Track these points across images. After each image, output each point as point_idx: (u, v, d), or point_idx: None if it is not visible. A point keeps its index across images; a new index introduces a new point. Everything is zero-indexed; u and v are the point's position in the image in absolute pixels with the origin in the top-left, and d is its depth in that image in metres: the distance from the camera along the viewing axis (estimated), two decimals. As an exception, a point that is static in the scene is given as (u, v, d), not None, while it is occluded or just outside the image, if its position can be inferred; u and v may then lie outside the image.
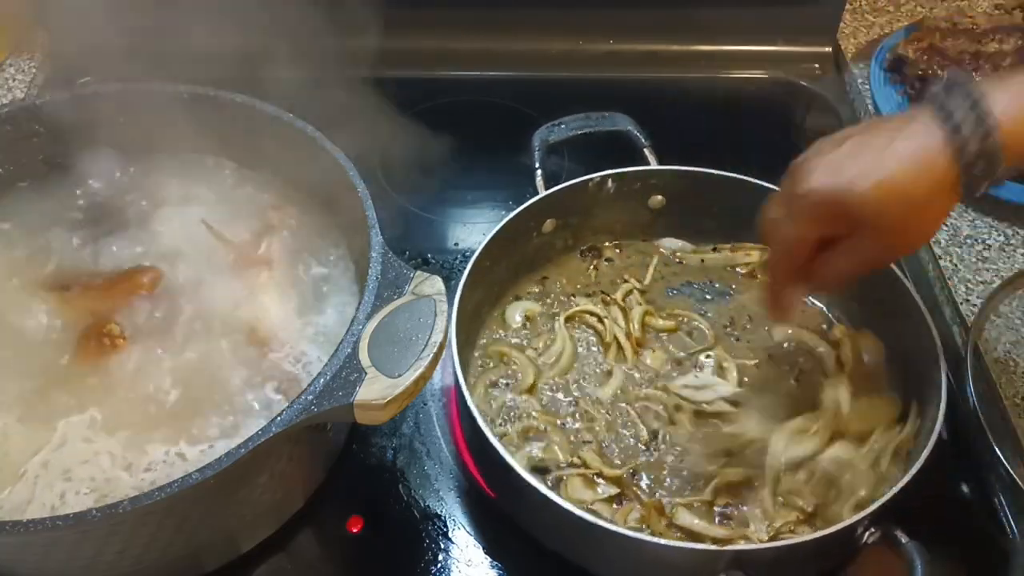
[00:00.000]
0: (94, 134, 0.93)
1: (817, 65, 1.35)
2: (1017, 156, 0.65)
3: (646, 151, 1.01)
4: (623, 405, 0.87)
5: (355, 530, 0.82)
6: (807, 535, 0.72)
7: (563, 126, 1.03)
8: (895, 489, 0.71)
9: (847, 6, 1.34)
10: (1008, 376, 0.91)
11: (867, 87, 1.26)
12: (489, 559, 0.82)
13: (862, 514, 0.71)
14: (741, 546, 0.74)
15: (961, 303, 0.98)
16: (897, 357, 0.88)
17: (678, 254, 1.01)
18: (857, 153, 0.67)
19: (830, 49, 1.36)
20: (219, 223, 0.91)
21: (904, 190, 0.65)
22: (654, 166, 0.99)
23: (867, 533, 0.72)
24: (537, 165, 1.00)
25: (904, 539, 0.71)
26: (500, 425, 0.85)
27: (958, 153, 0.64)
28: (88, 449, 0.74)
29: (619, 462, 0.82)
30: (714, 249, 1.00)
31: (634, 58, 1.34)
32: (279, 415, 0.66)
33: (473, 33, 1.31)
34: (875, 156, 0.66)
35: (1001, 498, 0.85)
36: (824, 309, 0.96)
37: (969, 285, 1.00)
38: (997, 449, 0.83)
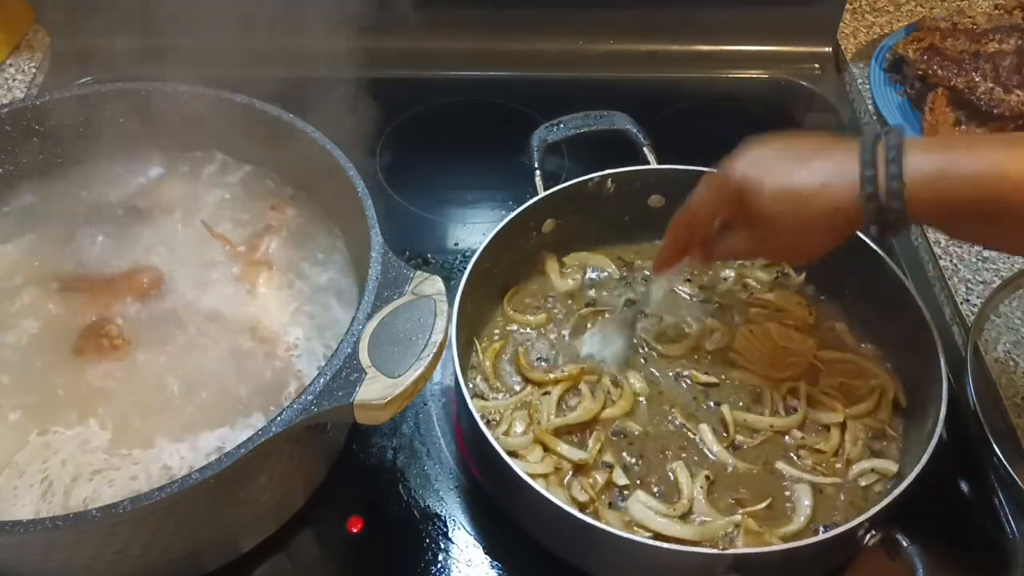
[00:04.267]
0: (94, 134, 0.93)
1: (817, 65, 1.35)
2: (921, 218, 0.67)
3: (646, 150, 1.01)
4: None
5: (355, 530, 0.82)
6: (808, 539, 0.72)
7: (562, 126, 1.03)
8: (897, 491, 0.71)
9: (847, 6, 1.34)
10: (1008, 376, 0.91)
11: (867, 87, 1.26)
12: (489, 559, 0.81)
13: (863, 517, 0.71)
14: (742, 550, 0.74)
15: (961, 303, 0.98)
16: (897, 357, 0.89)
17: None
18: (779, 157, 0.72)
19: (830, 49, 1.36)
20: (219, 223, 0.91)
21: (798, 206, 0.69)
22: (654, 165, 0.99)
23: (868, 536, 0.72)
24: (536, 165, 1.00)
25: (905, 543, 0.70)
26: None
27: (865, 195, 0.66)
28: (88, 450, 0.74)
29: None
30: None
31: (634, 58, 1.34)
32: (279, 415, 0.66)
33: (473, 33, 1.31)
34: (790, 166, 0.70)
35: (1001, 498, 0.85)
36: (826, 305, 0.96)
37: (969, 285, 1.00)
38: (997, 449, 0.83)
